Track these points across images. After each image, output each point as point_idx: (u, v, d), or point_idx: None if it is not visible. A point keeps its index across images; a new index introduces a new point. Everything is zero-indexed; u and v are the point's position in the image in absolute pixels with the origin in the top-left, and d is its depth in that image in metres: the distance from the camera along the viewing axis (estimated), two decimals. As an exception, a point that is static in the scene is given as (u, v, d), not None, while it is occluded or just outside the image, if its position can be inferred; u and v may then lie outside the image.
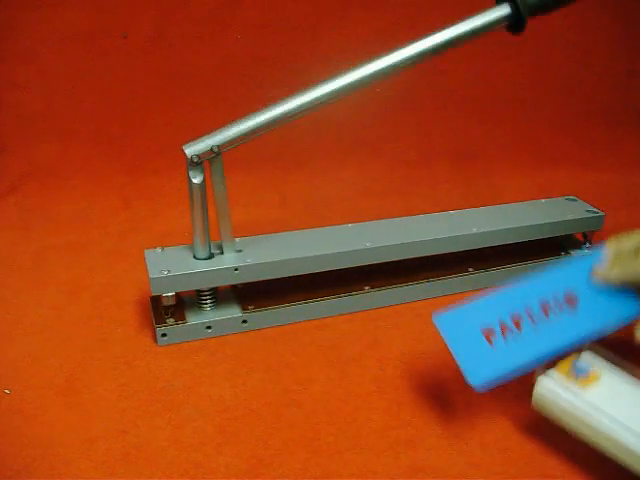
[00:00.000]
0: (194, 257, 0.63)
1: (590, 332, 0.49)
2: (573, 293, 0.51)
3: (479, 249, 0.72)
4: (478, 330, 0.49)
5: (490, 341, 0.48)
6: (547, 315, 0.49)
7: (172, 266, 0.61)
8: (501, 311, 0.50)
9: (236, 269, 0.62)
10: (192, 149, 0.58)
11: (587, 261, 0.52)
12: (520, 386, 0.57)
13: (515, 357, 0.47)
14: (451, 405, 0.55)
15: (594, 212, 0.77)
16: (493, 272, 0.74)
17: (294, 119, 0.59)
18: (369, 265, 0.69)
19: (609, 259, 0.52)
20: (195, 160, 0.58)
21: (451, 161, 1.08)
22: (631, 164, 1.10)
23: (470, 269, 0.73)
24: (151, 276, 0.59)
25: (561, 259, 0.77)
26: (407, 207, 0.91)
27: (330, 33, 1.01)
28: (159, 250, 0.64)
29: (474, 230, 0.71)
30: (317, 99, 0.59)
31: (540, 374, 0.48)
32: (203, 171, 0.60)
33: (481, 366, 0.47)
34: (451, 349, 0.49)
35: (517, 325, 0.49)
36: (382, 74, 0.58)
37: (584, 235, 0.79)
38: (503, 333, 0.48)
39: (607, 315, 0.49)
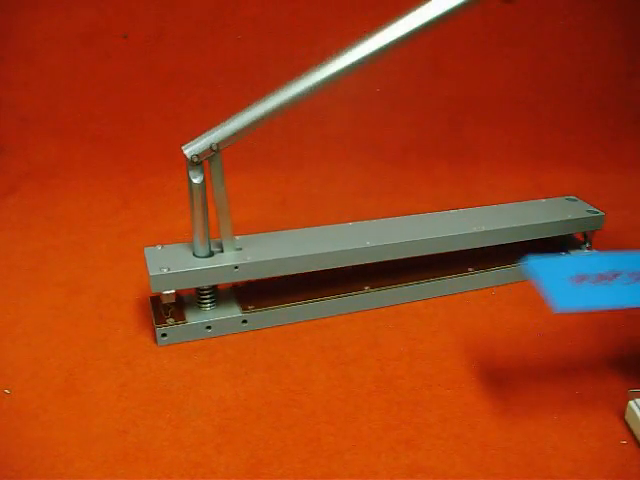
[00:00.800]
0: (194, 255, 0.63)
1: None
2: None
3: (479, 249, 0.72)
4: (573, 273, 0.50)
5: (580, 282, 0.49)
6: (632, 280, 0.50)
7: (172, 264, 0.61)
8: (601, 266, 0.51)
9: (236, 267, 0.62)
10: (191, 149, 0.58)
11: None
12: (520, 387, 0.57)
13: (600, 298, 0.48)
14: (451, 405, 0.55)
15: (594, 212, 0.77)
16: (493, 272, 0.74)
17: (290, 109, 0.59)
18: (369, 265, 0.69)
19: None
20: (195, 160, 0.58)
21: (451, 161, 1.08)
22: (631, 164, 1.10)
23: (470, 269, 0.73)
24: (151, 273, 0.59)
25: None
26: (407, 207, 0.90)
27: (330, 33, 1.01)
28: (159, 248, 0.64)
29: (474, 229, 0.71)
30: (310, 87, 0.58)
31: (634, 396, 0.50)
32: (203, 171, 0.60)
33: (568, 296, 0.48)
34: (538, 277, 0.49)
35: (611, 279, 0.50)
36: (375, 55, 0.58)
37: (584, 235, 0.79)
38: (595, 281, 0.49)
39: None
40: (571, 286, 0.49)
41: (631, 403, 0.50)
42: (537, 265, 0.51)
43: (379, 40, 0.58)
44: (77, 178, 1.00)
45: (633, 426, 0.50)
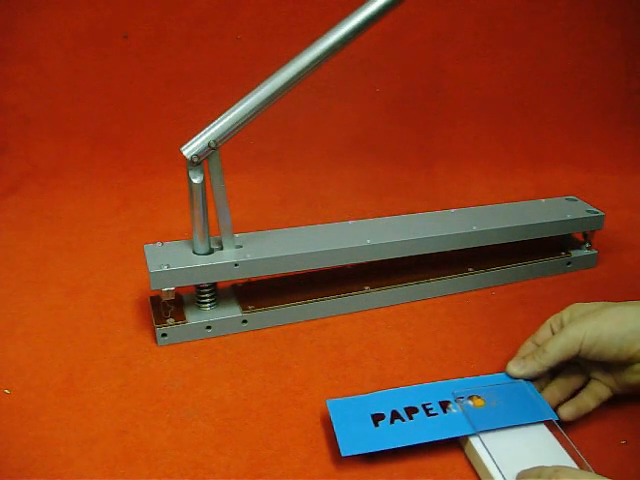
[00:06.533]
0: (194, 252, 0.63)
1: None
2: (480, 397, 0.52)
3: (479, 249, 0.72)
4: (368, 414, 0.51)
5: (376, 424, 0.50)
6: (445, 411, 0.51)
7: (172, 261, 0.61)
8: (398, 402, 0.52)
9: (236, 264, 0.62)
10: (190, 149, 0.58)
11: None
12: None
13: (394, 437, 0.48)
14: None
15: (594, 212, 0.77)
16: (493, 272, 0.74)
17: (282, 97, 0.59)
18: (369, 264, 0.69)
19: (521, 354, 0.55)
20: (195, 160, 0.58)
21: (451, 161, 1.08)
22: (631, 164, 1.10)
23: (470, 269, 0.73)
24: (150, 270, 0.59)
25: (561, 259, 0.77)
26: (407, 207, 0.90)
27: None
28: (159, 245, 0.64)
29: (474, 228, 0.71)
30: (300, 71, 0.58)
31: None
32: (203, 171, 0.60)
33: (356, 439, 0.48)
34: (333, 421, 0.50)
35: (410, 415, 0.50)
36: (354, 32, 0.58)
37: (584, 235, 0.79)
38: (392, 420, 0.50)
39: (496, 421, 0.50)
40: (363, 428, 0.49)
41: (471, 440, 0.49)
42: (334, 406, 0.51)
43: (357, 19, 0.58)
44: (77, 178, 1.00)
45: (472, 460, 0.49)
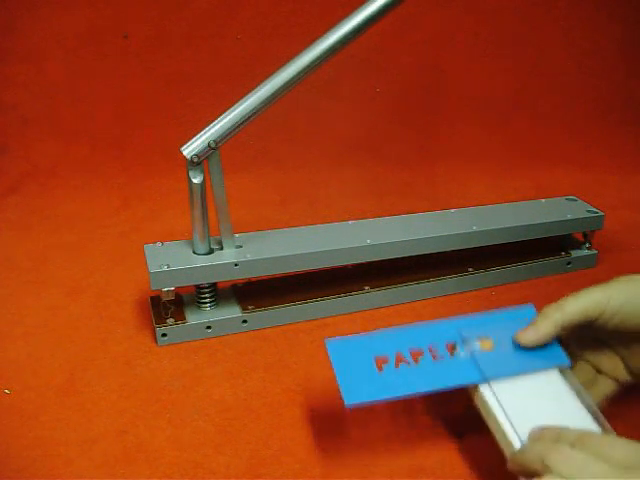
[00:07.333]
0: (194, 252, 0.63)
1: (485, 378, 0.47)
2: (489, 337, 0.49)
3: (479, 249, 0.72)
4: (371, 357, 0.48)
5: (380, 368, 0.47)
6: (452, 354, 0.48)
7: (172, 261, 0.61)
8: (402, 344, 0.49)
9: (236, 264, 0.62)
10: (190, 149, 0.58)
11: (508, 316, 0.51)
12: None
13: (399, 385, 0.46)
14: (452, 405, 0.55)
15: (594, 212, 0.77)
16: (493, 272, 0.74)
17: (282, 97, 0.59)
18: (369, 264, 0.69)
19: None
20: (195, 160, 0.58)
21: (451, 161, 1.08)
22: (631, 164, 1.10)
23: (470, 269, 0.73)
24: (150, 270, 0.59)
25: (561, 259, 0.77)
26: (407, 207, 0.90)
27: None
28: (159, 245, 0.64)
29: (474, 228, 0.71)
30: (300, 71, 0.58)
31: None
32: (203, 171, 0.60)
33: (360, 388, 0.46)
34: (335, 368, 0.47)
35: (415, 359, 0.48)
36: (354, 32, 0.58)
37: (584, 235, 0.79)
38: (397, 364, 0.47)
39: (506, 367, 0.47)
40: (366, 373, 0.46)
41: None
42: (334, 347, 0.48)
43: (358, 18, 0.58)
44: (77, 178, 1.00)
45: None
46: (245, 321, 0.65)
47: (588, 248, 0.79)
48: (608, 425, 0.43)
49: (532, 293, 0.73)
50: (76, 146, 1.02)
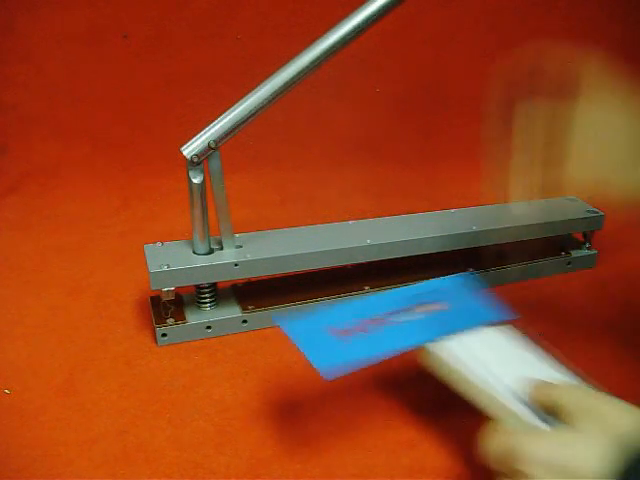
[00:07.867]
0: (194, 252, 0.63)
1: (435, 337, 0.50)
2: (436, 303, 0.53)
3: (479, 249, 0.72)
4: (326, 330, 0.49)
5: (347, 340, 0.49)
6: (400, 320, 0.51)
7: (172, 261, 0.61)
8: (351, 316, 0.51)
9: (236, 264, 0.62)
10: (190, 149, 0.58)
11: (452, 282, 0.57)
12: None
13: (364, 350, 0.48)
14: (452, 405, 0.55)
15: (594, 212, 0.77)
16: (493, 272, 0.74)
17: (282, 97, 0.59)
18: (369, 264, 0.69)
19: None
20: (195, 160, 0.58)
21: (451, 161, 1.08)
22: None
23: (470, 269, 0.73)
24: (150, 270, 0.59)
25: (561, 259, 0.77)
26: (407, 207, 0.90)
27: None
28: (159, 245, 0.64)
29: (474, 228, 0.71)
30: (300, 71, 0.58)
31: None
32: (203, 171, 0.60)
33: (330, 357, 0.47)
34: (298, 345, 0.48)
35: (375, 325, 0.50)
36: (354, 32, 0.58)
37: (584, 235, 0.79)
38: (361, 332, 0.49)
39: (457, 324, 0.51)
40: (332, 346, 0.48)
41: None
42: (291, 326, 0.49)
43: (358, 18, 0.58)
44: (77, 178, 1.00)
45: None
46: (245, 321, 0.65)
47: (588, 248, 0.79)
48: (570, 371, 0.46)
49: (532, 293, 0.73)
50: (76, 146, 1.01)
